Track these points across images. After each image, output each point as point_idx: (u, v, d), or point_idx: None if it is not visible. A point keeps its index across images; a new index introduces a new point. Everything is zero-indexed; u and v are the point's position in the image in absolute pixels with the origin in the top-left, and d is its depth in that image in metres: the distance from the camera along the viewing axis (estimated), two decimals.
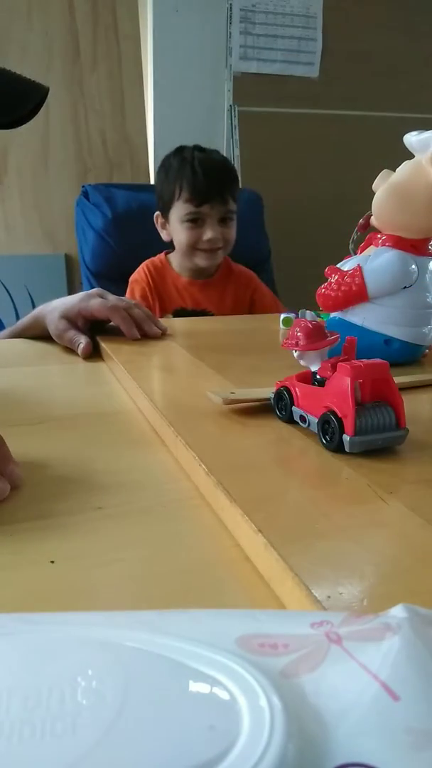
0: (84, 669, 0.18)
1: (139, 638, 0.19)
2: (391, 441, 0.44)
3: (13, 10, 1.84)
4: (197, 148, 1.42)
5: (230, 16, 2.07)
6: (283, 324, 0.94)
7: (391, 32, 2.21)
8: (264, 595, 0.30)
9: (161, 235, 1.46)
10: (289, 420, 0.49)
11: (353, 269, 0.65)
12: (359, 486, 0.38)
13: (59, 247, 2.02)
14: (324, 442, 0.44)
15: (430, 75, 2.30)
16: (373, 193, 0.66)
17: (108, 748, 0.15)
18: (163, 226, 1.45)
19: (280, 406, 0.50)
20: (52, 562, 0.33)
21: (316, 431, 0.45)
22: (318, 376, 0.48)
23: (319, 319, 0.49)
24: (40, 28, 1.87)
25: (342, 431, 0.42)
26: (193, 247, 1.39)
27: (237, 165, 2.01)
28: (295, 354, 0.49)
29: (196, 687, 0.17)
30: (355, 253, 0.70)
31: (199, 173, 1.35)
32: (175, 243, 1.42)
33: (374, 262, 0.65)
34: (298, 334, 0.47)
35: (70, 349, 0.80)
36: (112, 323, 0.84)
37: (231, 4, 2.06)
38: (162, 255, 1.49)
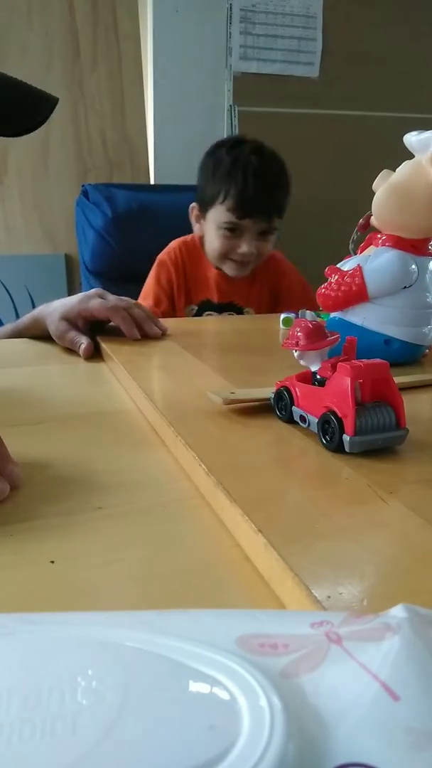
0: (84, 669, 0.18)
1: (139, 638, 0.19)
2: (391, 441, 0.44)
3: (13, 10, 1.84)
4: (255, 149, 1.27)
5: (230, 16, 2.07)
6: (283, 324, 0.94)
7: (391, 32, 2.21)
8: (264, 595, 0.30)
9: (193, 227, 1.38)
10: (289, 420, 0.49)
11: (353, 269, 0.65)
12: (359, 486, 0.38)
13: (59, 247, 2.02)
14: (324, 442, 0.44)
15: (430, 75, 2.30)
16: (373, 193, 0.66)
17: (108, 748, 0.15)
18: (198, 220, 1.36)
19: (280, 406, 0.50)
20: (52, 562, 0.33)
21: (316, 431, 0.45)
22: (318, 376, 0.48)
23: (319, 319, 0.49)
24: (40, 28, 1.87)
25: (342, 431, 0.42)
26: (224, 256, 1.31)
27: None
28: (296, 354, 0.49)
29: (196, 687, 0.17)
30: (355, 253, 0.70)
31: (250, 185, 1.23)
32: (206, 244, 1.34)
33: (374, 262, 0.65)
34: (299, 334, 0.47)
35: (71, 350, 0.80)
36: (112, 323, 0.85)
37: (231, 4, 2.06)
38: (196, 235, 1.38)
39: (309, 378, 0.49)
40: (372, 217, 0.68)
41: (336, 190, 2.10)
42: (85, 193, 1.79)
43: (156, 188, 1.96)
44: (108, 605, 0.30)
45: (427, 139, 0.61)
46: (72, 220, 1.87)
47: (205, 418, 0.50)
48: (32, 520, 0.37)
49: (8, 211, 1.96)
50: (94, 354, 0.78)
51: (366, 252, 0.68)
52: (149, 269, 1.42)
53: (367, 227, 0.69)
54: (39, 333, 0.87)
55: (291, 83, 2.17)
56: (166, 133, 2.08)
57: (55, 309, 0.85)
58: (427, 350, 0.70)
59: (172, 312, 1.36)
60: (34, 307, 0.91)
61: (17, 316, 1.04)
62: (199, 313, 1.38)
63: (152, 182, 2.08)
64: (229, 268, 1.33)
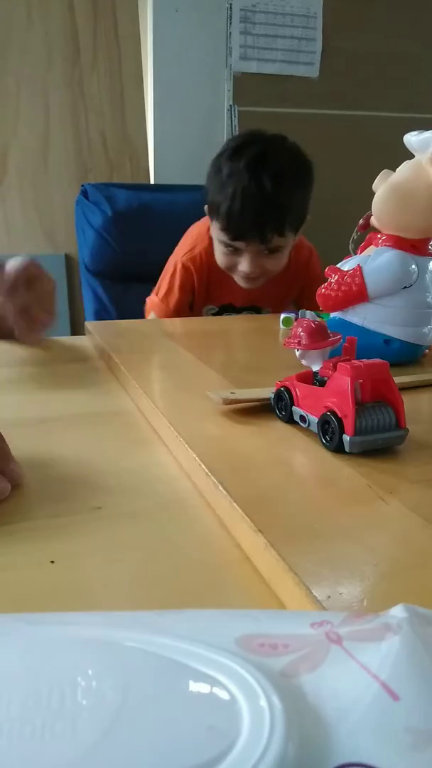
0: (84, 669, 0.18)
1: (139, 638, 0.19)
2: (391, 441, 0.44)
3: (13, 10, 1.84)
4: (253, 164, 1.10)
5: (230, 16, 2.07)
6: (283, 324, 0.94)
7: (391, 32, 2.21)
8: (264, 595, 0.30)
9: (210, 228, 1.24)
10: (289, 420, 0.49)
11: (353, 269, 0.65)
12: (359, 486, 0.38)
13: (59, 247, 2.02)
14: (324, 442, 0.44)
15: (430, 75, 2.30)
16: (373, 193, 0.66)
17: (108, 748, 0.15)
18: (210, 220, 1.23)
19: (280, 406, 0.50)
20: (52, 562, 0.33)
21: (316, 431, 0.45)
22: (319, 376, 0.48)
23: (319, 319, 0.49)
24: (40, 28, 1.87)
25: (342, 431, 0.42)
26: (228, 270, 1.21)
27: None
28: (297, 353, 0.49)
29: (196, 687, 0.17)
30: (355, 253, 0.70)
31: (237, 205, 1.09)
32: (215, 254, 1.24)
33: (374, 262, 0.65)
34: (301, 333, 0.47)
35: (71, 350, 0.80)
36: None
37: (231, 4, 2.06)
38: None
39: (309, 378, 0.49)
40: (372, 217, 0.68)
41: (336, 190, 2.09)
42: (84, 193, 1.79)
43: (156, 188, 1.96)
44: (108, 605, 0.30)
45: (427, 139, 0.61)
46: (72, 220, 1.87)
47: (205, 418, 0.50)
48: (32, 520, 0.37)
49: (8, 211, 1.96)
50: (95, 354, 0.78)
51: (366, 252, 0.68)
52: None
53: (367, 227, 0.69)
54: None
55: (291, 83, 2.16)
56: (166, 133, 2.07)
57: None
58: (427, 350, 0.70)
59: (189, 314, 1.28)
60: None
61: None
62: (218, 314, 1.31)
63: (152, 182, 2.08)
64: (238, 281, 1.23)
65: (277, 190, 1.10)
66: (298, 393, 0.48)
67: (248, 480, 0.39)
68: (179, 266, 1.27)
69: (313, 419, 0.46)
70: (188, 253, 1.27)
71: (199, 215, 1.30)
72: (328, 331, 0.48)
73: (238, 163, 1.12)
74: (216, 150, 1.29)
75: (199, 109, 2.10)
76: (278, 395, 0.50)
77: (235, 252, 1.18)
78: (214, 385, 0.58)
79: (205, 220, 1.28)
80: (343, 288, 0.65)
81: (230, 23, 2.07)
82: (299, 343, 0.47)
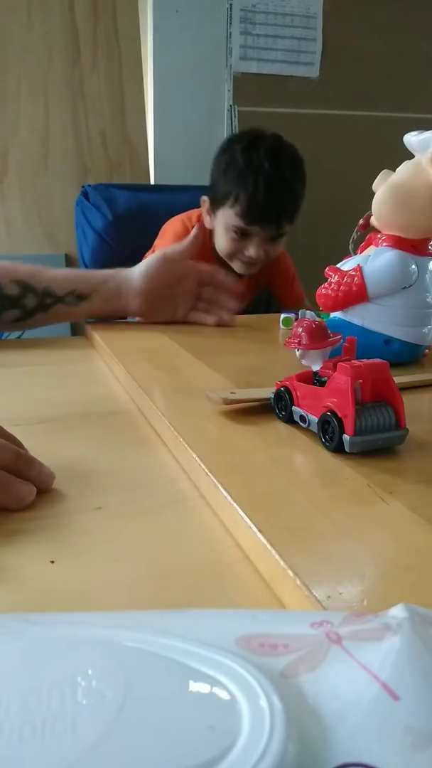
0: (84, 669, 0.18)
1: (139, 638, 0.19)
2: (391, 441, 0.44)
3: (13, 10, 1.85)
4: (270, 154, 1.22)
5: (230, 17, 2.07)
6: (283, 324, 0.94)
7: (391, 32, 2.21)
8: (264, 595, 0.30)
9: (204, 219, 1.36)
10: (289, 420, 0.49)
11: (353, 269, 0.65)
12: (359, 486, 0.38)
13: (59, 248, 2.02)
14: (324, 442, 0.44)
15: (430, 75, 2.30)
16: (373, 193, 0.66)
17: (108, 748, 0.15)
18: (209, 213, 1.35)
19: (280, 406, 0.50)
20: (52, 562, 0.33)
21: (316, 431, 0.45)
22: (319, 376, 0.48)
23: (319, 319, 0.49)
24: (40, 28, 1.87)
25: (342, 431, 0.42)
26: (232, 255, 1.31)
27: None
28: (298, 353, 0.49)
29: (196, 687, 0.17)
30: (355, 253, 0.70)
31: (260, 193, 1.20)
32: (215, 240, 1.33)
33: (374, 262, 0.65)
34: (301, 333, 0.47)
35: (71, 350, 0.80)
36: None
37: (231, 4, 2.06)
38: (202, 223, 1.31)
39: (309, 378, 0.49)
40: (372, 217, 0.68)
41: (336, 190, 2.10)
42: (85, 194, 1.79)
43: (156, 188, 1.96)
44: (108, 605, 0.30)
45: (427, 139, 0.61)
46: (72, 221, 1.87)
47: (205, 418, 0.50)
48: (32, 520, 0.37)
49: (8, 211, 1.96)
50: (94, 354, 0.78)
51: (366, 252, 0.68)
52: None
53: (367, 227, 0.69)
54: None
55: (291, 83, 2.17)
56: (166, 133, 2.08)
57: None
58: (427, 350, 0.70)
59: None
60: None
61: None
62: None
63: (152, 182, 2.08)
64: (237, 267, 1.33)
65: (294, 180, 1.27)
66: (298, 393, 0.48)
67: (248, 480, 0.39)
68: (169, 236, 1.36)
69: (313, 419, 0.46)
70: (177, 233, 1.36)
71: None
72: (328, 331, 0.48)
73: (257, 154, 1.23)
74: (216, 150, 1.31)
75: (199, 109, 2.10)
76: (278, 395, 0.50)
77: (242, 238, 1.28)
78: (213, 385, 0.58)
79: (178, 219, 1.38)
80: (343, 288, 0.65)
81: (230, 23, 2.07)
82: (299, 343, 0.47)
